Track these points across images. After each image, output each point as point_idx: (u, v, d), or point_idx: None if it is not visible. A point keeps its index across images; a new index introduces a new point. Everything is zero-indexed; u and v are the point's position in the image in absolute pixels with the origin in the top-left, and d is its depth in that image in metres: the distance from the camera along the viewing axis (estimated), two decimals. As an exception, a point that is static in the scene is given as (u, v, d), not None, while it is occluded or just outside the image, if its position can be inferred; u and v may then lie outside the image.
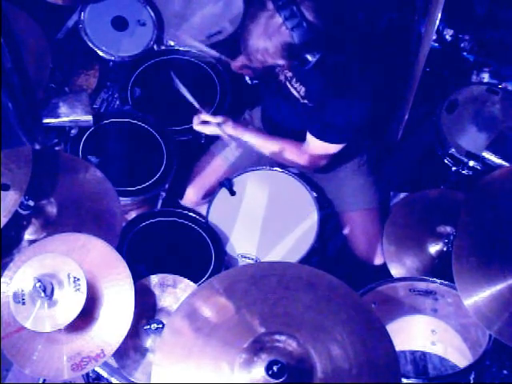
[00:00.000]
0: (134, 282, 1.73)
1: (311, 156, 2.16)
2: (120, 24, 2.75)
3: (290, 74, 2.12)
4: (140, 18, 2.77)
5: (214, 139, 2.44)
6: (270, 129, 2.38)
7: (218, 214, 2.22)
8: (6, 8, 1.76)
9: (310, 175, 2.33)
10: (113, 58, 2.71)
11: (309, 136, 2.14)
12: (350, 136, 2.11)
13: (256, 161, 2.37)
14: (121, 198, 2.10)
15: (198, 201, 2.39)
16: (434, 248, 2.11)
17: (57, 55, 2.48)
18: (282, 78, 2.14)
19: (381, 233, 2.22)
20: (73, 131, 2.35)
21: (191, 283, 1.87)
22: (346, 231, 2.37)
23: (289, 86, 2.14)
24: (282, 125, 2.31)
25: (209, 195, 2.34)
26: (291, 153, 2.19)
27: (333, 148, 2.12)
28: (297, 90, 2.12)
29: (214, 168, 2.42)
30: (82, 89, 2.69)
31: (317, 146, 2.13)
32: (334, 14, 1.86)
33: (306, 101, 2.13)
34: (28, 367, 1.68)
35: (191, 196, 2.40)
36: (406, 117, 2.31)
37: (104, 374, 1.82)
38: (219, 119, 2.20)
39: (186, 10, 2.83)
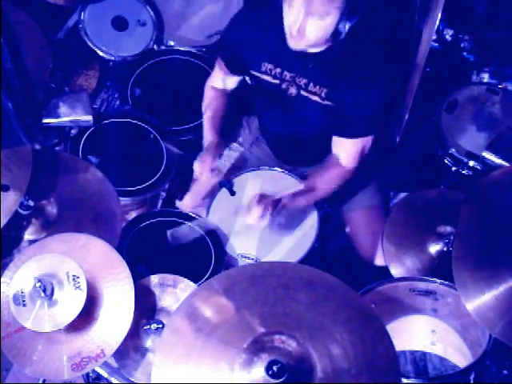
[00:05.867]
0: (134, 282, 1.73)
1: (348, 162, 2.15)
2: (120, 24, 2.75)
3: (304, 81, 2.09)
4: (140, 18, 2.77)
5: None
6: (274, 142, 2.38)
7: (218, 214, 2.22)
8: (5, 8, 1.77)
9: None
10: (113, 58, 2.71)
11: (337, 140, 2.14)
12: (375, 125, 2.11)
13: (254, 163, 2.36)
14: (121, 198, 2.10)
15: (197, 205, 2.38)
16: (434, 248, 2.11)
17: (57, 55, 2.48)
18: (292, 91, 2.12)
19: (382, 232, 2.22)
20: (73, 131, 2.35)
21: (191, 283, 1.87)
22: (348, 230, 2.37)
23: (305, 93, 2.10)
24: (287, 136, 2.29)
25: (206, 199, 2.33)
26: (334, 179, 2.17)
27: (364, 142, 2.12)
28: (317, 93, 2.09)
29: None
30: (82, 89, 2.69)
31: (348, 147, 2.13)
32: None
33: (327, 102, 2.09)
34: (28, 367, 1.68)
35: (188, 202, 2.39)
36: (406, 117, 2.31)
37: (104, 374, 1.82)
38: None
39: (185, 10, 2.83)
